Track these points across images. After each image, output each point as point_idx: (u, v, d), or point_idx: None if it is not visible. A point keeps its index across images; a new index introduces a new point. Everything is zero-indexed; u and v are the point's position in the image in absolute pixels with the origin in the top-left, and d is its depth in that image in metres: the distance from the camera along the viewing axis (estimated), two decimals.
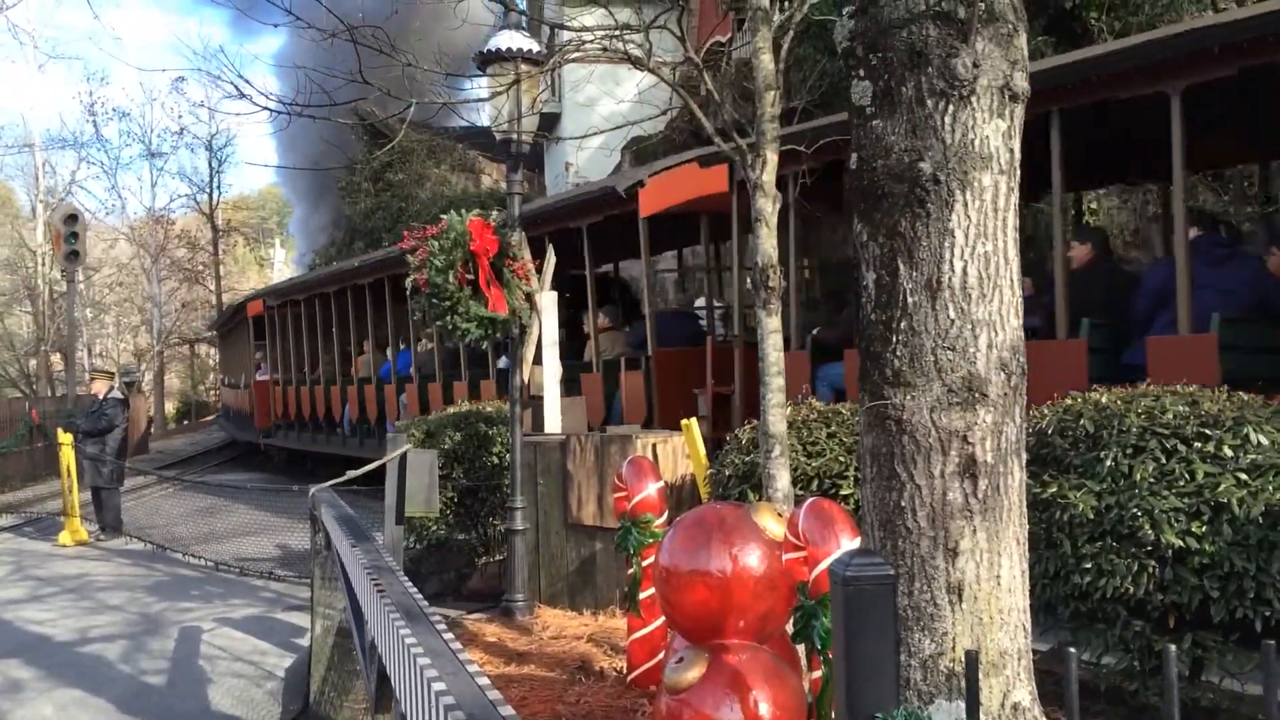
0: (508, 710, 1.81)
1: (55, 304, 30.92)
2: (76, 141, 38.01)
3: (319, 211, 32.41)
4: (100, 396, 13.09)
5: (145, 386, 35.63)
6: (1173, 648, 1.54)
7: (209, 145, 37.86)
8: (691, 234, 10.86)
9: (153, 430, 31.34)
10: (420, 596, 2.97)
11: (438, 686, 1.94)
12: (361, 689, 4.55)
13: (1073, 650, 1.59)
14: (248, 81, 4.35)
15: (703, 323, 10.95)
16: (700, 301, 12.66)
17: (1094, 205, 11.89)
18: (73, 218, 17.77)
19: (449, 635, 2.40)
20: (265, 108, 4.42)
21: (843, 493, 5.22)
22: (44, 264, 31.37)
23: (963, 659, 1.89)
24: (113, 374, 15.21)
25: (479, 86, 6.84)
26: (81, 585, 9.31)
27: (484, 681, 2.00)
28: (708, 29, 15.97)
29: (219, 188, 39.09)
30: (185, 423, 38.84)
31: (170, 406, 39.88)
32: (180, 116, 46.89)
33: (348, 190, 28.13)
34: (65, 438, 12.58)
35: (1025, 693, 2.28)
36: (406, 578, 3.41)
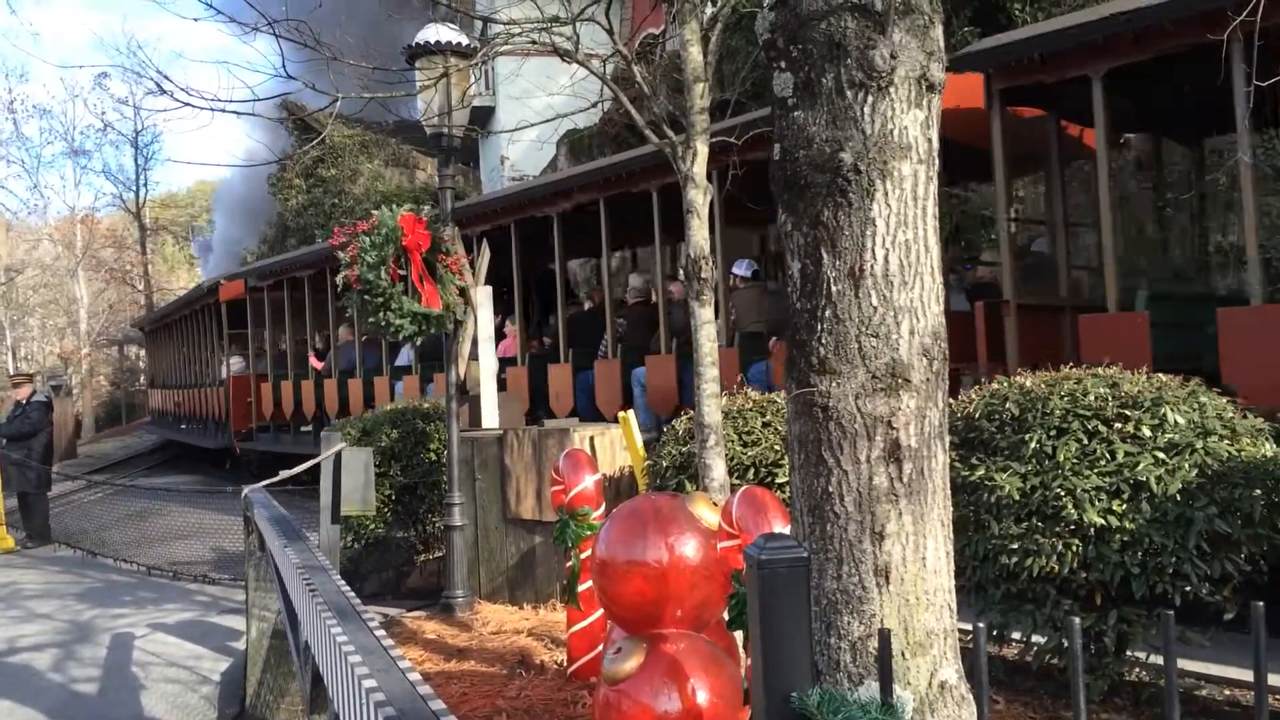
0: (438, 704, 1.81)
1: None
2: None
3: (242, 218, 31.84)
4: (23, 401, 12.77)
5: (74, 388, 34.79)
6: (1076, 620, 1.59)
7: (134, 142, 36.99)
8: None
9: (80, 434, 30.57)
10: (353, 595, 2.95)
11: (368, 684, 1.94)
12: (298, 690, 4.50)
13: (981, 625, 1.63)
14: (168, 78, 4.27)
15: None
16: None
17: (1020, 194, 12.12)
18: None
19: (381, 633, 2.39)
20: (187, 103, 4.35)
21: (779, 480, 5.28)
22: None
23: (890, 640, 1.93)
24: (33, 376, 14.83)
25: (409, 80, 6.77)
26: (8, 594, 9.08)
27: (415, 677, 1.99)
28: (639, 21, 15.98)
29: (146, 185, 38.23)
30: (109, 427, 37.94)
31: (99, 409, 38.92)
32: (104, 113, 45.75)
33: (279, 187, 27.69)
34: None
35: (952, 671, 2.33)
36: (340, 576, 3.38)
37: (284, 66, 4.38)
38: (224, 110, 4.70)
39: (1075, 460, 3.94)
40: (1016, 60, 6.44)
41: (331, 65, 4.73)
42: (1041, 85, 6.48)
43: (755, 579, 1.53)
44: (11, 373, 20.42)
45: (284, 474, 6.25)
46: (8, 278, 35.54)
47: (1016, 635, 4.40)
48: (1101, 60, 6.00)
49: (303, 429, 15.96)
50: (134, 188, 37.43)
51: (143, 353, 36.38)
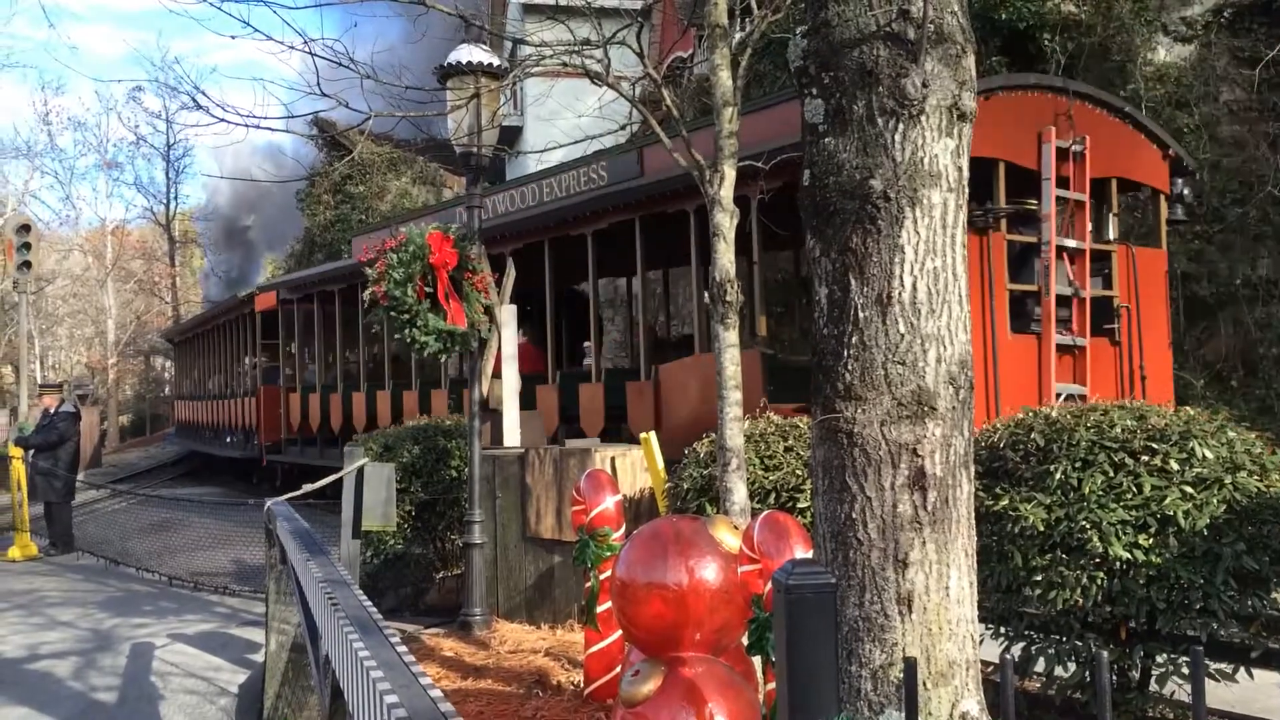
0: None
1: (6, 315, 30.39)
2: (30, 150, 37.44)
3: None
4: (51, 410, 12.90)
5: (101, 397, 35.08)
6: (1105, 655, 1.57)
7: (166, 156, 37.42)
8: None
9: (105, 444, 30.81)
10: (374, 609, 2.95)
11: (390, 699, 1.94)
12: (316, 704, 4.51)
13: (1009, 658, 1.62)
14: (204, 93, 4.33)
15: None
16: None
17: None
18: (25, 228, 17.44)
19: (402, 648, 2.39)
20: (221, 119, 4.40)
21: (800, 505, 5.25)
22: None
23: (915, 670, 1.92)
24: (61, 386, 15.00)
25: (441, 100, 6.82)
26: (31, 601, 9.14)
27: (437, 694, 2.00)
28: (669, 45, 16.07)
29: (176, 198, 38.66)
30: (134, 437, 38.20)
31: (123, 419, 39.24)
32: (137, 126, 46.39)
33: (307, 202, 27.98)
34: (16, 451, 12.38)
35: (974, 702, 2.32)
36: (361, 591, 3.39)
37: (319, 84, 4.43)
38: (258, 126, 4.76)
39: (1101, 492, 3.90)
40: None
41: (364, 83, 4.78)
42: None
43: (783, 604, 1.53)
44: (40, 382, 20.66)
45: (307, 487, 6.28)
46: (38, 287, 35.93)
47: (1039, 668, 4.35)
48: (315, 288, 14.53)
49: (211, 435, 23.23)
50: (164, 200, 37.90)
51: (168, 364, 36.96)
